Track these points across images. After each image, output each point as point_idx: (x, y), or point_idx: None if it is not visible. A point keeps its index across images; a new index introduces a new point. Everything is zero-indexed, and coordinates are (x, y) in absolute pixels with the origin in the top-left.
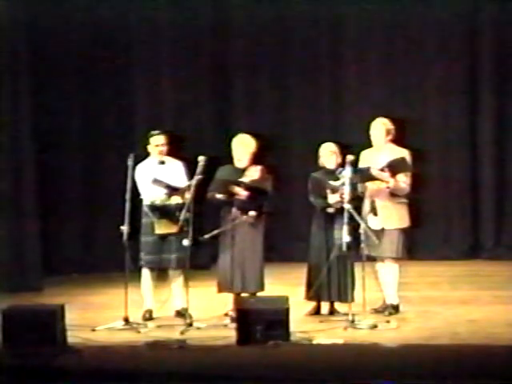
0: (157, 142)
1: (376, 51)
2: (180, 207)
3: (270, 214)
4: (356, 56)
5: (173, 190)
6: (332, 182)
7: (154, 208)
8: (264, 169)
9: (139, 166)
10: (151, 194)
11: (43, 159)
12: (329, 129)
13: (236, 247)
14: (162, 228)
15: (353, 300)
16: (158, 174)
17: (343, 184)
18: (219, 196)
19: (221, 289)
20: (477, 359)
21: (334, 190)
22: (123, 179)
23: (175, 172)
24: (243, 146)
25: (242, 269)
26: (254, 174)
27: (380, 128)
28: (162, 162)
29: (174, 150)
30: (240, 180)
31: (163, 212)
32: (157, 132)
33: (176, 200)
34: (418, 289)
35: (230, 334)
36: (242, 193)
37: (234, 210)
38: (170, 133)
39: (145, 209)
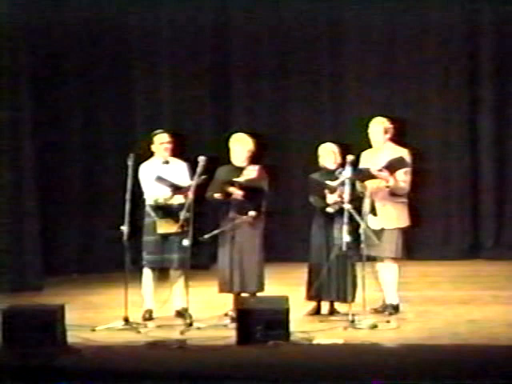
0: (162, 140)
1: (376, 51)
2: (182, 207)
3: (268, 213)
4: (356, 56)
5: (176, 189)
6: (329, 182)
7: (156, 207)
8: (261, 168)
9: (143, 166)
10: (155, 193)
11: (43, 159)
12: (329, 129)
13: (235, 247)
14: (164, 227)
15: (353, 300)
16: (162, 174)
17: (342, 184)
18: (216, 196)
19: (221, 289)
20: (477, 359)
21: (332, 190)
22: (123, 179)
23: (179, 172)
24: (240, 145)
25: (241, 269)
26: (251, 173)
27: (378, 127)
28: (167, 162)
29: (177, 151)
30: (235, 180)
31: (166, 211)
32: (160, 131)
33: (179, 200)
34: (418, 289)
35: (230, 334)
36: (237, 192)
37: (232, 210)
38: (172, 131)
39: (147, 208)
